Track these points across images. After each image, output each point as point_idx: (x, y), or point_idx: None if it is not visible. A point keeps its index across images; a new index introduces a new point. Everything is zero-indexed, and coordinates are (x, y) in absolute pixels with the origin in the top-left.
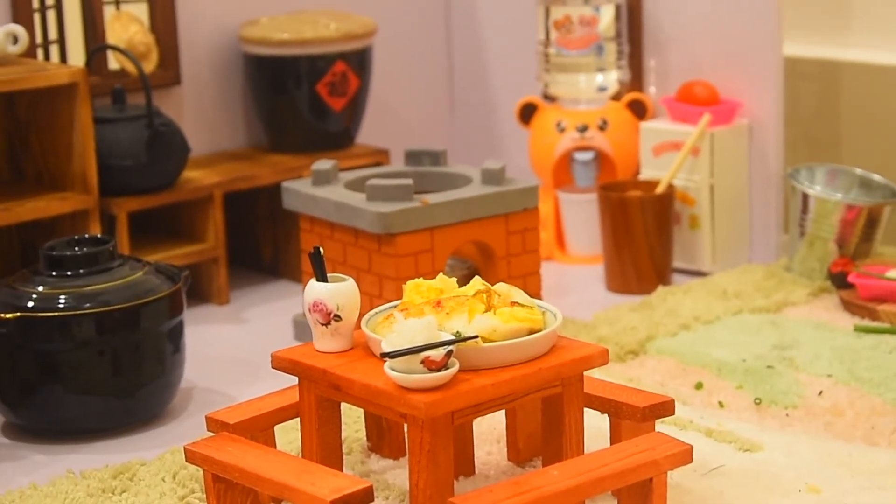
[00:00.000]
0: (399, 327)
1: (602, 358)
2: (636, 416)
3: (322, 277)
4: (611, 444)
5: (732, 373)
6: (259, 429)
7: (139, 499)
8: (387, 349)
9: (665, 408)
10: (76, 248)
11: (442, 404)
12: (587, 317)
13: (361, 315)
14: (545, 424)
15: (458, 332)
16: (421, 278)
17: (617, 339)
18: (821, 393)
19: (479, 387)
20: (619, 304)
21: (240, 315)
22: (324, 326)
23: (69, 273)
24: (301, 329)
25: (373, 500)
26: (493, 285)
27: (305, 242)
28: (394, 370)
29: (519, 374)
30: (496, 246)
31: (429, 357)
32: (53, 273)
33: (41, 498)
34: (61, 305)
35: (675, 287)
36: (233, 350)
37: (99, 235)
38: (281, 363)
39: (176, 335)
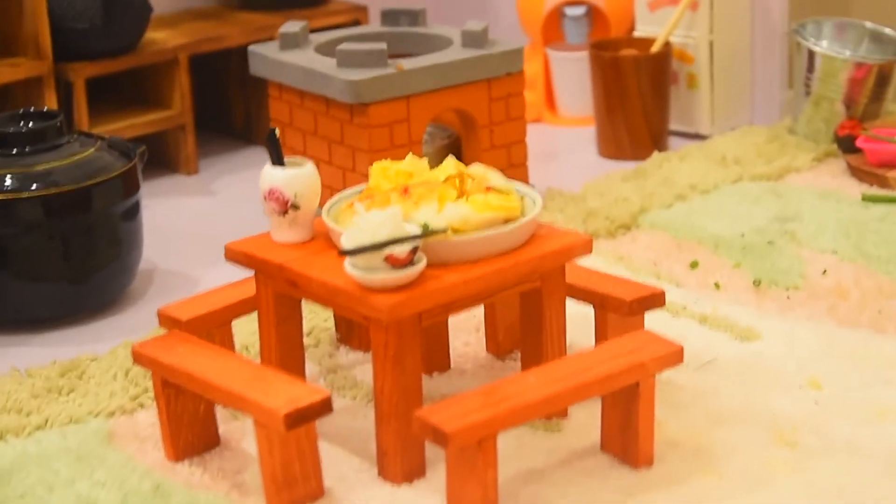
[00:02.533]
0: (360, 220)
1: (585, 248)
2: (623, 309)
3: (278, 161)
4: (596, 338)
5: (730, 249)
6: (215, 325)
7: (87, 399)
8: (346, 245)
9: (654, 300)
10: (21, 124)
11: (407, 305)
12: (576, 187)
13: (323, 202)
14: (524, 319)
15: (425, 224)
16: (388, 160)
17: (607, 213)
18: (825, 272)
19: (449, 284)
20: (610, 173)
21: (208, 186)
22: (281, 216)
23: (14, 151)
24: None
25: (331, 411)
26: (469, 164)
27: (274, 111)
28: (354, 268)
29: (492, 268)
30: (478, 114)
31: (392, 254)
32: None
33: None
34: (7, 186)
35: (671, 153)
36: (199, 226)
37: (46, 109)
38: (235, 256)
39: (131, 216)
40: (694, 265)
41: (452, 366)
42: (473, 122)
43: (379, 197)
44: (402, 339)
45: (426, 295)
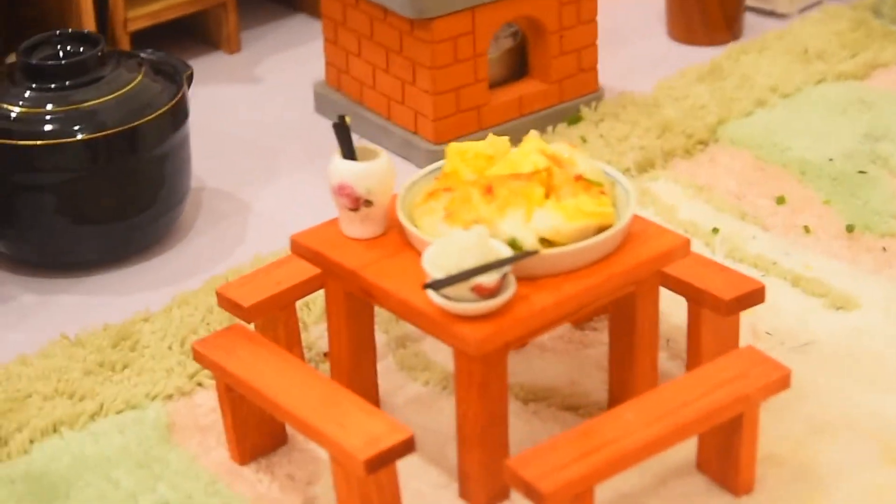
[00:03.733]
0: (444, 242)
1: (683, 251)
2: (720, 308)
3: (349, 154)
4: (689, 334)
5: (818, 178)
6: (279, 308)
7: (143, 378)
8: (430, 272)
9: (753, 297)
10: (59, 48)
11: (495, 337)
12: (648, 85)
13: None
14: (613, 322)
15: (514, 239)
16: (466, 142)
17: (684, 125)
18: None
19: (539, 309)
20: (684, 69)
21: (253, 70)
22: (352, 212)
23: (53, 86)
24: (322, 102)
25: (413, 450)
26: (537, 72)
27: (325, 6)
28: (438, 295)
29: (585, 284)
30: (548, 20)
31: (480, 284)
32: (34, 85)
33: (31, 380)
34: (50, 130)
35: (747, 43)
36: (247, 127)
37: (87, 32)
38: (302, 252)
39: (180, 148)
40: (780, 201)
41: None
42: (543, 28)
43: (460, 196)
44: (489, 369)
45: (516, 323)
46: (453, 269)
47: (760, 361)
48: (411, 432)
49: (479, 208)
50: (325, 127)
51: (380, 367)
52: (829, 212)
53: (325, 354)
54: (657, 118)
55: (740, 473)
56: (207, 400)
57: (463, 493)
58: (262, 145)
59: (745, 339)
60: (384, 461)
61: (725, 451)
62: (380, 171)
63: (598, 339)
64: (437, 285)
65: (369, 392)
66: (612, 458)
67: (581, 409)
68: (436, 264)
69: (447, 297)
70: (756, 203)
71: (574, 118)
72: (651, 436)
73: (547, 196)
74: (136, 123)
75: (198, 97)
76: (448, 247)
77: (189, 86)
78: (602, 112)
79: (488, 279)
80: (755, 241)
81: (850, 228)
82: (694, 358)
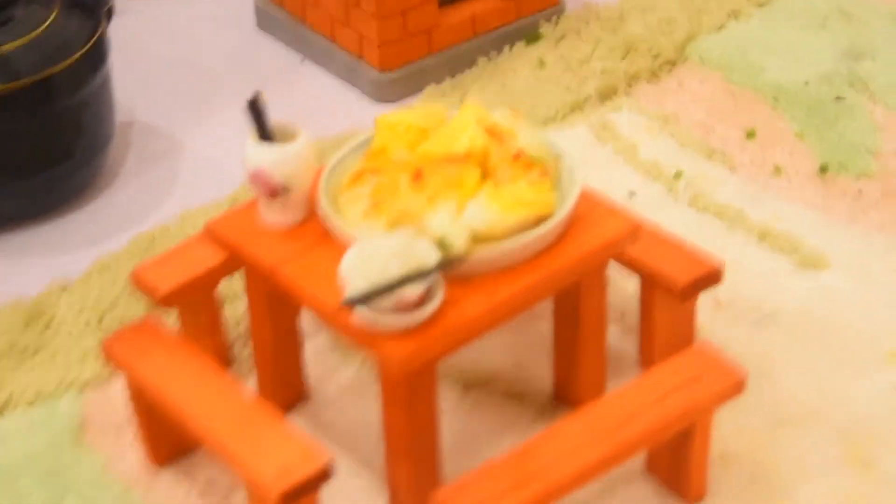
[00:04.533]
0: (364, 248)
1: (634, 236)
2: (675, 291)
3: (264, 135)
4: (641, 316)
5: (792, 106)
6: (198, 291)
7: (56, 363)
8: (348, 286)
9: (711, 278)
10: None
11: (420, 354)
12: None
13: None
14: (555, 311)
15: (442, 238)
16: (397, 113)
17: (651, 43)
18: None
19: (471, 317)
20: None
21: None
22: (270, 199)
23: None
24: (264, 19)
25: (330, 477)
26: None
27: None
28: (358, 308)
29: (523, 284)
30: None
31: (403, 299)
32: None
33: None
34: None
35: None
36: (179, 47)
37: None
38: (217, 241)
39: (100, 92)
40: (751, 135)
41: None
42: None
43: (387, 182)
44: (415, 386)
45: (444, 336)
46: (374, 278)
47: (714, 364)
48: (326, 459)
49: (406, 198)
50: (268, 48)
51: (311, 346)
52: (801, 147)
53: None
54: (622, 35)
55: (692, 480)
56: (124, 391)
57: None
58: (197, 69)
59: (704, 307)
60: (301, 492)
61: (676, 456)
62: (298, 154)
63: (548, 308)
64: (354, 301)
65: (296, 383)
66: (551, 487)
67: (526, 397)
68: (355, 274)
69: (368, 312)
70: (725, 136)
71: (532, 36)
72: (595, 458)
73: (483, 178)
74: (50, 71)
75: (126, 14)
76: (368, 254)
77: (109, 20)
78: (563, 29)
79: (412, 292)
80: (721, 186)
81: (823, 169)
82: (647, 341)
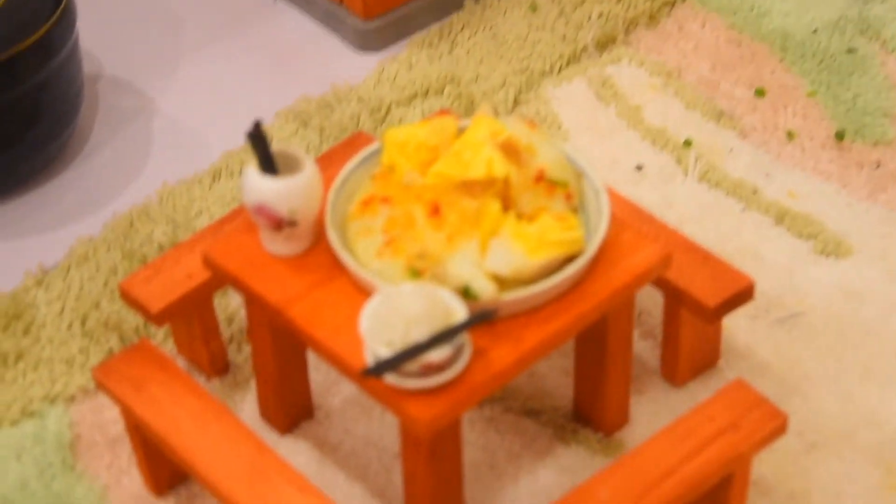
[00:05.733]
0: (385, 306)
1: (664, 265)
2: (703, 314)
3: (267, 168)
4: (664, 334)
5: (801, 59)
6: (193, 305)
7: (39, 373)
8: (369, 350)
9: (742, 298)
10: None
11: (448, 414)
12: None
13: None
14: (578, 341)
15: (467, 287)
16: (405, 129)
17: None
18: None
19: (499, 370)
20: None
21: None
22: (274, 232)
23: None
24: None
25: None
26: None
27: None
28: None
29: (552, 329)
30: None
31: (430, 363)
32: None
33: None
34: None
35: None
36: None
37: None
38: (217, 272)
39: (70, 63)
40: (760, 93)
41: None
42: None
43: (401, 216)
44: (440, 451)
45: (471, 392)
46: (398, 343)
47: (754, 405)
48: None
49: (424, 236)
50: None
51: (312, 355)
52: (814, 108)
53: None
54: None
55: None
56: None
57: None
58: (166, 7)
59: None
60: None
61: (712, 498)
62: (304, 186)
63: None
64: (378, 370)
65: (300, 400)
66: None
67: (543, 414)
68: (376, 338)
69: (391, 376)
70: (732, 94)
71: None
72: None
73: (504, 207)
74: (16, 50)
75: None
76: (390, 313)
77: None
78: None
79: (438, 355)
80: (733, 157)
81: (839, 136)
82: (671, 356)
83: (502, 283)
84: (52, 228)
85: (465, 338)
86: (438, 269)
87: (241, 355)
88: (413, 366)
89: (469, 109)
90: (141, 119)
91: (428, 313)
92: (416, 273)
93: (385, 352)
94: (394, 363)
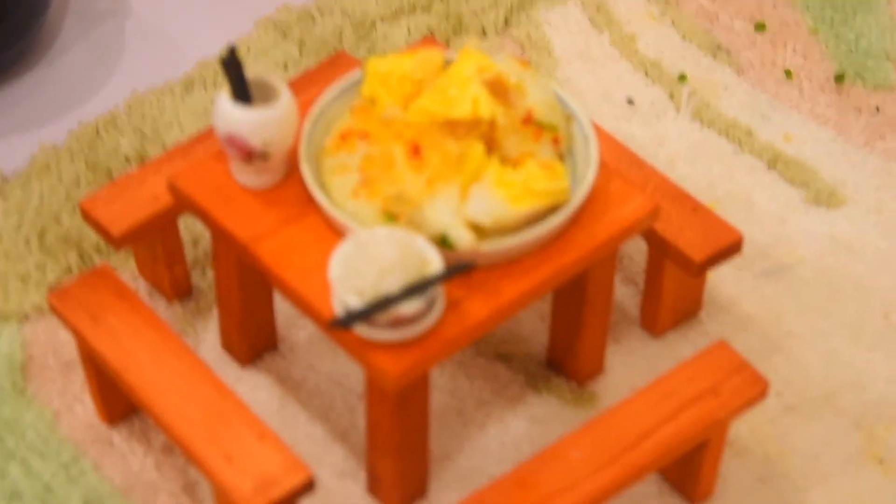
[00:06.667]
0: (356, 254)
1: (651, 219)
2: (689, 268)
3: (241, 96)
4: (646, 283)
5: None
6: (157, 229)
7: None
8: (338, 300)
9: (729, 251)
10: None
11: (417, 367)
12: None
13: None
14: (555, 301)
15: (444, 236)
16: (389, 59)
17: None
18: None
19: (473, 324)
20: None
21: None
22: (245, 163)
23: None
24: None
25: (313, 488)
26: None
27: None
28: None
29: (530, 282)
30: None
31: (401, 315)
32: None
33: None
34: None
35: None
36: None
37: None
38: (182, 200)
39: None
40: (760, 27)
41: None
42: None
43: (379, 155)
44: (408, 395)
45: (443, 345)
46: (369, 293)
47: (735, 369)
48: (309, 471)
49: (402, 178)
50: None
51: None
52: (815, 47)
53: None
54: None
55: (700, 482)
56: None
57: (373, 492)
58: None
59: None
60: None
61: (686, 461)
62: (279, 118)
63: None
64: (347, 322)
65: (264, 333)
66: None
67: (515, 360)
68: (346, 285)
69: (360, 326)
70: (731, 28)
71: None
72: (601, 484)
73: (488, 150)
74: None
75: None
76: (361, 260)
77: None
78: None
79: (411, 308)
80: (727, 95)
81: (839, 79)
82: (652, 305)
83: (481, 231)
84: (13, 132)
85: (439, 290)
86: (416, 214)
87: (204, 280)
88: (383, 317)
89: (457, 29)
90: (113, 20)
91: (402, 263)
92: (391, 217)
93: (355, 301)
94: (363, 315)
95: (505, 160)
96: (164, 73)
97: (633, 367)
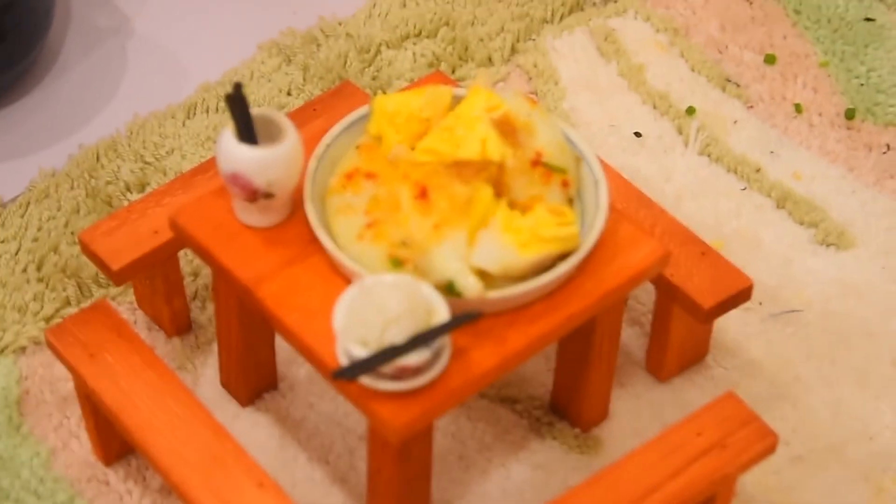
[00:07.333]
0: (360, 301)
1: (662, 264)
2: (698, 315)
3: (246, 134)
4: (652, 328)
5: (816, 25)
6: (157, 263)
7: None
8: (342, 350)
9: (739, 299)
10: None
11: (421, 419)
12: None
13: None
14: (561, 346)
15: (451, 284)
16: (396, 97)
17: None
18: None
19: (479, 374)
20: None
21: None
22: (249, 203)
23: None
24: None
25: None
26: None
27: None
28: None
29: (538, 331)
30: None
31: (407, 366)
32: None
33: None
34: None
35: None
36: None
37: None
38: (183, 236)
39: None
40: (770, 60)
41: None
42: None
43: (386, 198)
44: (410, 446)
45: (448, 396)
46: (374, 344)
47: (744, 422)
48: None
49: (409, 222)
50: None
51: None
52: (825, 82)
53: None
54: None
55: None
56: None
57: None
58: None
59: None
60: None
61: None
62: (284, 158)
63: None
64: (351, 373)
65: (265, 372)
66: None
67: (519, 403)
68: (350, 335)
69: (364, 377)
70: (741, 59)
71: None
72: None
73: (497, 192)
74: None
75: None
76: (367, 309)
77: None
78: None
79: (417, 359)
80: (736, 129)
81: (849, 115)
82: (658, 351)
83: (489, 277)
84: (12, 157)
85: (445, 339)
86: (422, 260)
87: (204, 314)
88: (388, 368)
89: (463, 56)
90: (114, 40)
91: (408, 312)
92: (397, 263)
93: (359, 351)
94: (368, 366)
95: (513, 204)
96: (165, 97)
97: (638, 412)
